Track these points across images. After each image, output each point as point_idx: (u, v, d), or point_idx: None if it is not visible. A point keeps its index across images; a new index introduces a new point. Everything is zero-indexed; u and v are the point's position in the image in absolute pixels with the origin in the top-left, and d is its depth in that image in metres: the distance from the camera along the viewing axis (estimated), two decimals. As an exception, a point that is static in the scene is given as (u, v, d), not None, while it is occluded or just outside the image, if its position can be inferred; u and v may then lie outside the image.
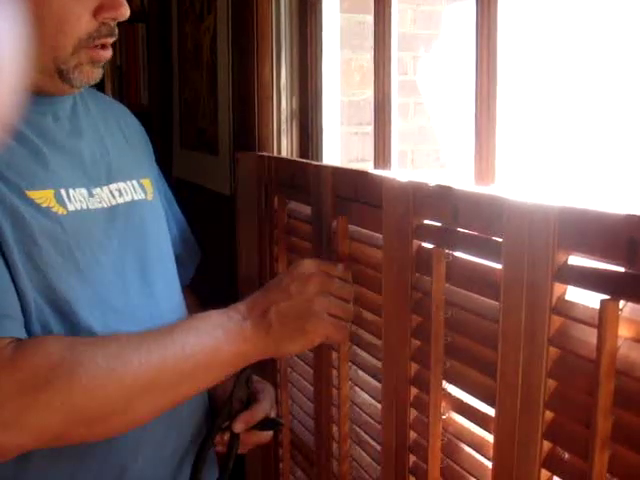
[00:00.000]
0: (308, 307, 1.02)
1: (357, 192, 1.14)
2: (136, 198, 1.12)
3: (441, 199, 0.93)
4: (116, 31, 1.02)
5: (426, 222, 0.97)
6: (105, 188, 1.07)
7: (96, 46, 1.00)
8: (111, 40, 1.02)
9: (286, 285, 1.04)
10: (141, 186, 1.14)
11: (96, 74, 1.03)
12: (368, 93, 1.81)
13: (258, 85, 1.62)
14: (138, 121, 1.27)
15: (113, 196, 1.08)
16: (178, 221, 1.33)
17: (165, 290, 1.13)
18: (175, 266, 1.20)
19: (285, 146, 1.63)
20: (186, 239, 1.35)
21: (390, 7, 1.24)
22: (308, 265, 1.07)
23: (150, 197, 1.16)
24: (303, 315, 1.02)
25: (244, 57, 1.68)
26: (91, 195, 1.04)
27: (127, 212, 1.09)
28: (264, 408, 1.16)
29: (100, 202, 1.05)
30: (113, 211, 1.06)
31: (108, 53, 1.03)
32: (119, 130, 1.19)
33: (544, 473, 0.78)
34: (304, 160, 1.53)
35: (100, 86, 2.58)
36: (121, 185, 1.10)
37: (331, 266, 1.09)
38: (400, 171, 1.20)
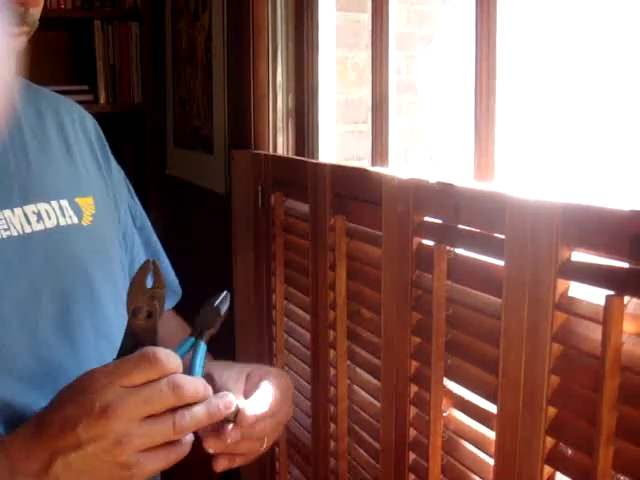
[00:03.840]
0: (111, 460, 0.71)
1: (356, 189, 1.14)
2: (63, 223, 0.90)
3: (442, 196, 0.93)
4: (29, 19, 0.79)
5: (427, 219, 0.97)
6: (18, 210, 0.85)
7: None
8: (19, 30, 0.78)
9: (74, 423, 0.70)
10: (74, 207, 0.92)
11: None
12: (363, 92, 1.81)
13: (254, 83, 1.62)
14: (96, 123, 1.05)
15: (28, 221, 0.86)
16: (153, 253, 1.09)
17: (95, 343, 0.90)
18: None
19: (281, 144, 1.63)
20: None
21: (388, 5, 1.24)
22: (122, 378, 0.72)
23: (87, 221, 0.93)
24: (106, 472, 0.72)
25: (240, 55, 1.67)
26: None
27: (47, 241, 0.87)
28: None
29: (7, 230, 0.83)
30: (26, 241, 0.85)
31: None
32: (59, 134, 0.97)
33: (547, 469, 0.78)
34: (301, 158, 1.53)
35: (93, 85, 2.58)
36: (42, 206, 0.88)
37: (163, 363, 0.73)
38: (399, 168, 1.20)
